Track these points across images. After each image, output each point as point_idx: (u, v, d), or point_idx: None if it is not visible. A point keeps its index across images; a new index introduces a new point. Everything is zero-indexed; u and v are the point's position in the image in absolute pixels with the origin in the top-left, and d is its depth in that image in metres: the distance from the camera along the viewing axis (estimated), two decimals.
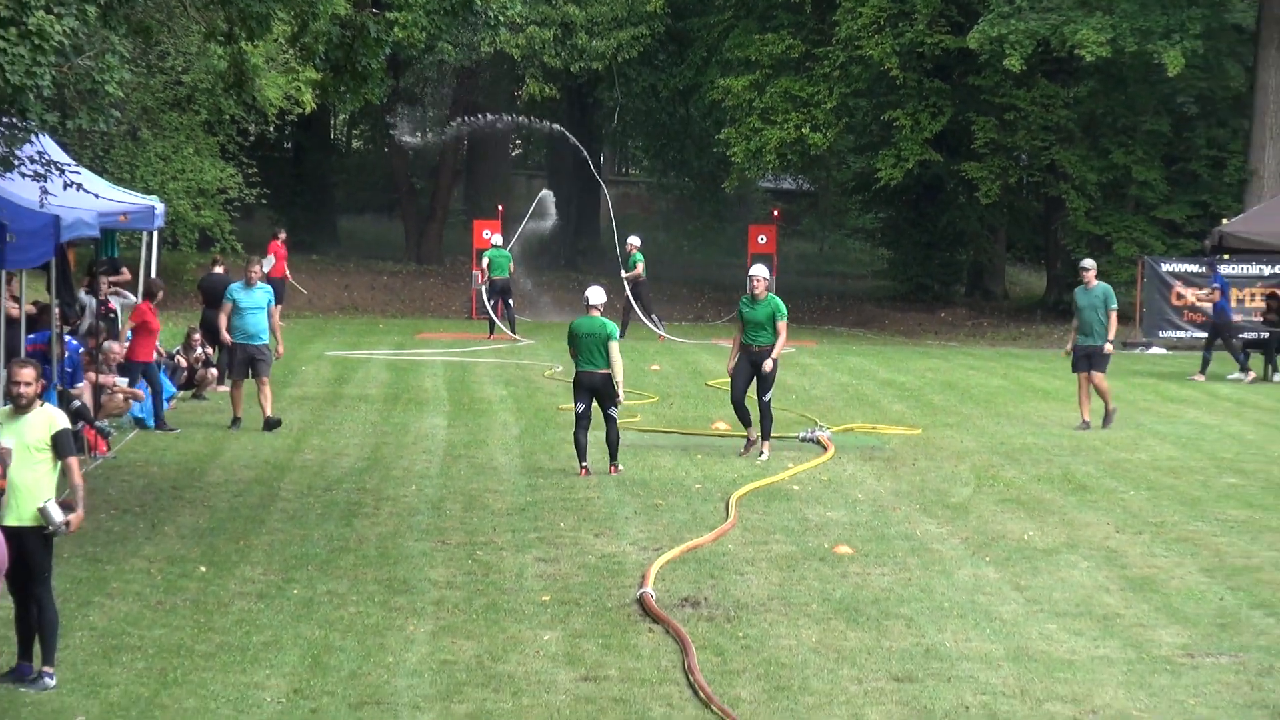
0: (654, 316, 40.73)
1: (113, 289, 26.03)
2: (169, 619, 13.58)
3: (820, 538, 17.20)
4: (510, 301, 40.04)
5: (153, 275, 25.99)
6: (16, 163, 16.34)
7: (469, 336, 39.42)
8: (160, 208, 25.59)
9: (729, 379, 22.30)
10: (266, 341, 23.73)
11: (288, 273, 40.17)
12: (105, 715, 11.20)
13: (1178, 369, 34.85)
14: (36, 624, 11.85)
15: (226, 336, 23.95)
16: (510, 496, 19.13)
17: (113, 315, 25.61)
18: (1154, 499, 19.81)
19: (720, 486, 19.85)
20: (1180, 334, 40.16)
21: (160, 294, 25.04)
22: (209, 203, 40.51)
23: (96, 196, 21.69)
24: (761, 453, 21.94)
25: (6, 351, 18.69)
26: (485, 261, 40.30)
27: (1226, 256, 38.52)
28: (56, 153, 19.95)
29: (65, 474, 11.78)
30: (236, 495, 18.88)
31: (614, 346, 20.35)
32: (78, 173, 19.54)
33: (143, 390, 23.56)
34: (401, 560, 15.86)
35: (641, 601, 14.26)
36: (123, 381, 23.55)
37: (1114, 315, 25.17)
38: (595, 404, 20.48)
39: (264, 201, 45.47)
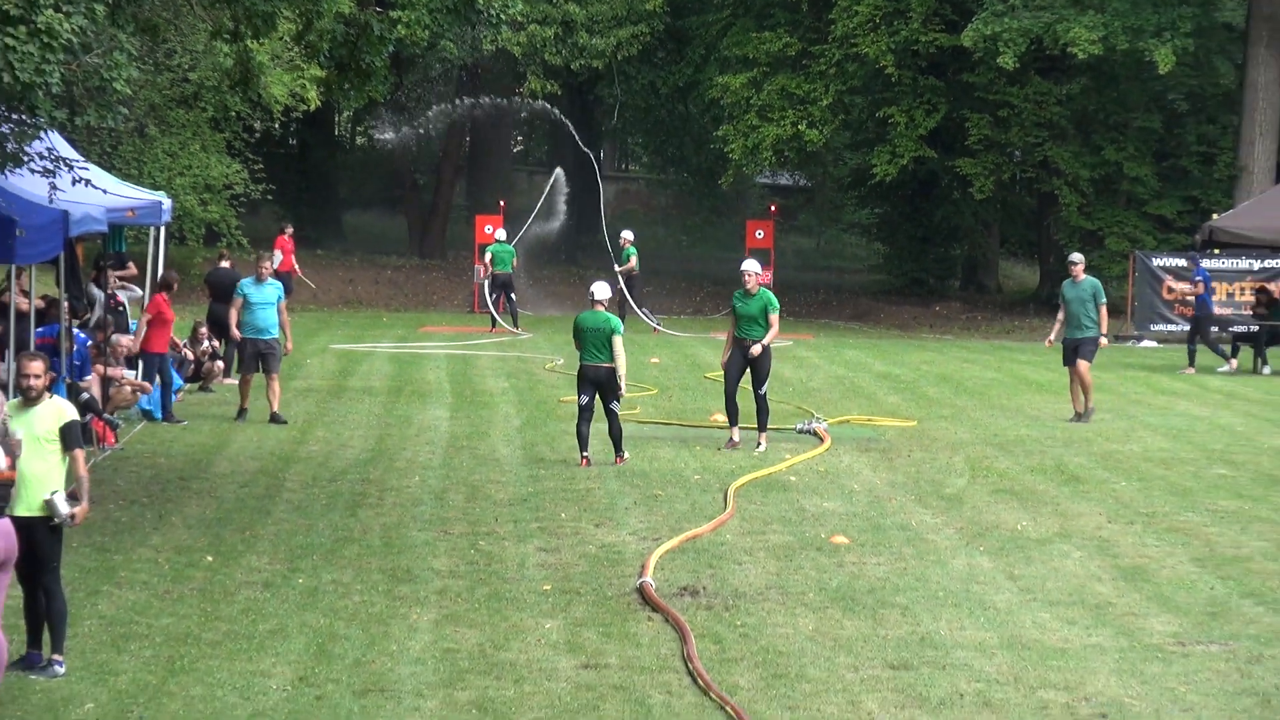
0: (645, 309, 40.74)
1: (120, 284, 26.02)
2: (176, 608, 13.58)
3: (817, 528, 17.20)
4: (513, 296, 40.03)
5: (161, 269, 25.97)
6: (26, 159, 16.33)
7: (471, 330, 39.41)
8: (167, 203, 25.56)
9: (723, 373, 22.27)
10: (276, 336, 23.71)
11: (296, 267, 40.15)
12: (114, 702, 11.20)
13: (1168, 362, 34.86)
14: (45, 613, 11.86)
15: (236, 333, 23.93)
16: (512, 487, 19.12)
17: (121, 309, 25.60)
18: (1145, 490, 19.81)
19: (719, 477, 19.85)
20: (1171, 328, 40.15)
21: (175, 285, 25.06)
22: (215, 198, 40.51)
23: (105, 192, 21.66)
24: (759, 444, 21.93)
25: (16, 345, 18.68)
26: (488, 256, 40.29)
27: (1217, 251, 38.53)
28: (65, 149, 19.94)
29: (71, 466, 11.77)
30: (242, 486, 18.88)
31: (618, 341, 20.37)
32: (86, 169, 19.57)
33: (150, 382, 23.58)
34: (405, 550, 15.85)
35: (641, 590, 14.26)
36: (130, 374, 23.55)
37: (1104, 309, 25.15)
38: (598, 397, 20.49)
39: (269, 197, 45.48)
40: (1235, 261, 39.19)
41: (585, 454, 20.43)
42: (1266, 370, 33.38)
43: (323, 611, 13.56)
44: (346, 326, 39.38)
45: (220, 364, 27.06)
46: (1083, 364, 24.95)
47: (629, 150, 74.33)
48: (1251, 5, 44.81)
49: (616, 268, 40.26)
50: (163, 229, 26.05)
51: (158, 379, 23.53)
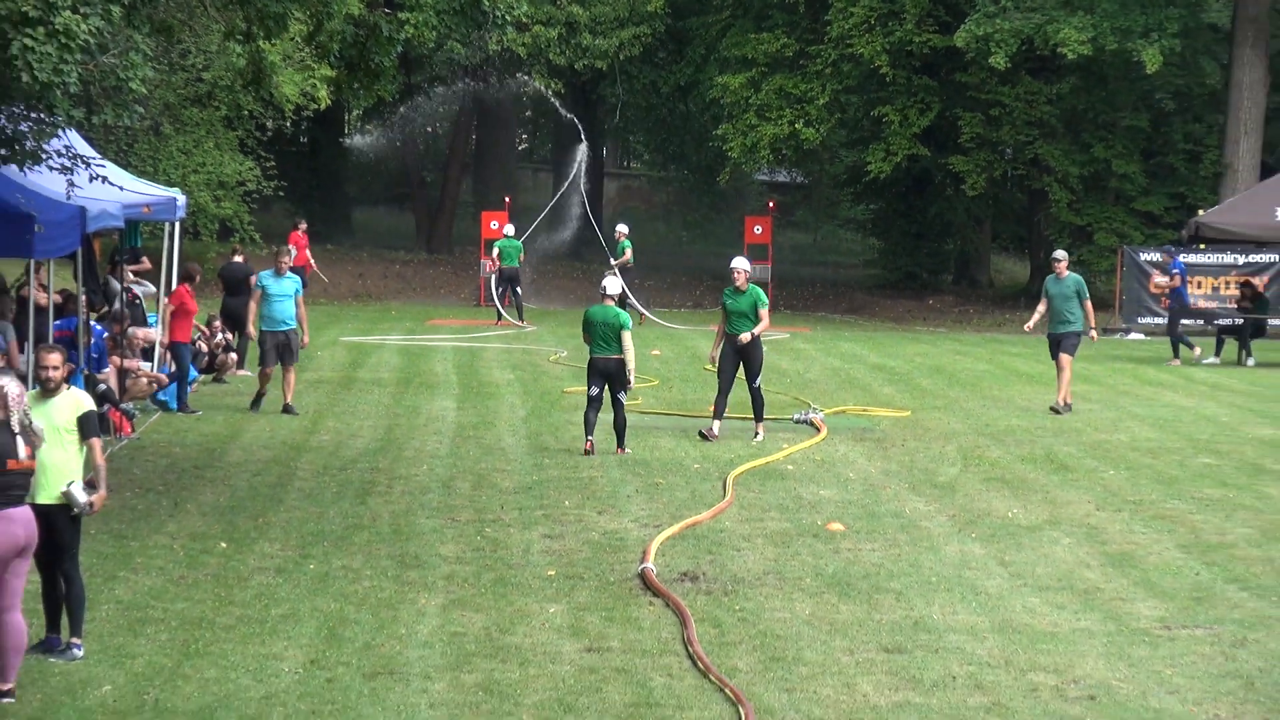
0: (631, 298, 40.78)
1: (134, 279, 26.02)
2: (191, 593, 13.59)
3: (813, 515, 17.20)
4: (519, 290, 40.02)
5: (174, 264, 25.98)
6: (45, 156, 16.33)
7: (478, 323, 39.40)
8: (182, 199, 25.56)
9: (717, 370, 22.17)
10: (294, 328, 23.70)
11: (311, 262, 40.12)
12: (130, 684, 11.22)
13: (1155, 354, 34.85)
14: (64, 598, 11.87)
15: (252, 330, 23.93)
16: (517, 476, 19.13)
17: (137, 302, 25.61)
18: (1133, 478, 19.81)
19: (718, 466, 19.85)
20: (1158, 320, 40.08)
21: (197, 277, 25.09)
22: (228, 195, 40.47)
23: (121, 189, 21.69)
24: (757, 434, 21.93)
25: (35, 337, 18.69)
26: (496, 251, 40.28)
27: (1203, 246, 38.52)
28: (83, 147, 19.94)
29: (89, 454, 11.78)
30: (255, 475, 18.88)
31: (627, 336, 20.45)
32: (103, 166, 19.57)
33: (165, 374, 23.58)
34: (413, 537, 15.86)
35: (643, 576, 14.27)
36: (146, 366, 23.56)
37: (1088, 304, 25.15)
38: (607, 388, 20.55)
39: (281, 194, 45.44)
40: (1220, 256, 39.22)
41: (590, 438, 20.45)
42: (1251, 362, 33.38)
43: (333, 596, 13.57)
44: (356, 319, 39.38)
45: (234, 356, 27.08)
46: (1065, 357, 24.95)
47: (631, 148, 74.28)
48: (1237, 7, 44.79)
49: (612, 261, 40.26)
50: (177, 224, 26.05)
51: (175, 369, 23.56)
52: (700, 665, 11.81)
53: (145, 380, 23.05)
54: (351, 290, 46.54)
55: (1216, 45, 47.25)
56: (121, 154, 35.54)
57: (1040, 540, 16.28)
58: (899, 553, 15.60)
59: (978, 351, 35.60)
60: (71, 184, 17.64)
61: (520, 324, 38.67)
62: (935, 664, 12.05)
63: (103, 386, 20.38)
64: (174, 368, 23.83)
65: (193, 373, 24.69)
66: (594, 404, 20.54)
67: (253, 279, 26.47)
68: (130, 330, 23.40)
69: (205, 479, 18.49)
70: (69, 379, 12.07)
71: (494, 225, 43.99)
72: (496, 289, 40.21)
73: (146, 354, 24.17)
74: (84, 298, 21.32)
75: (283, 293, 23.65)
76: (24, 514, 11.07)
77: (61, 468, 11.62)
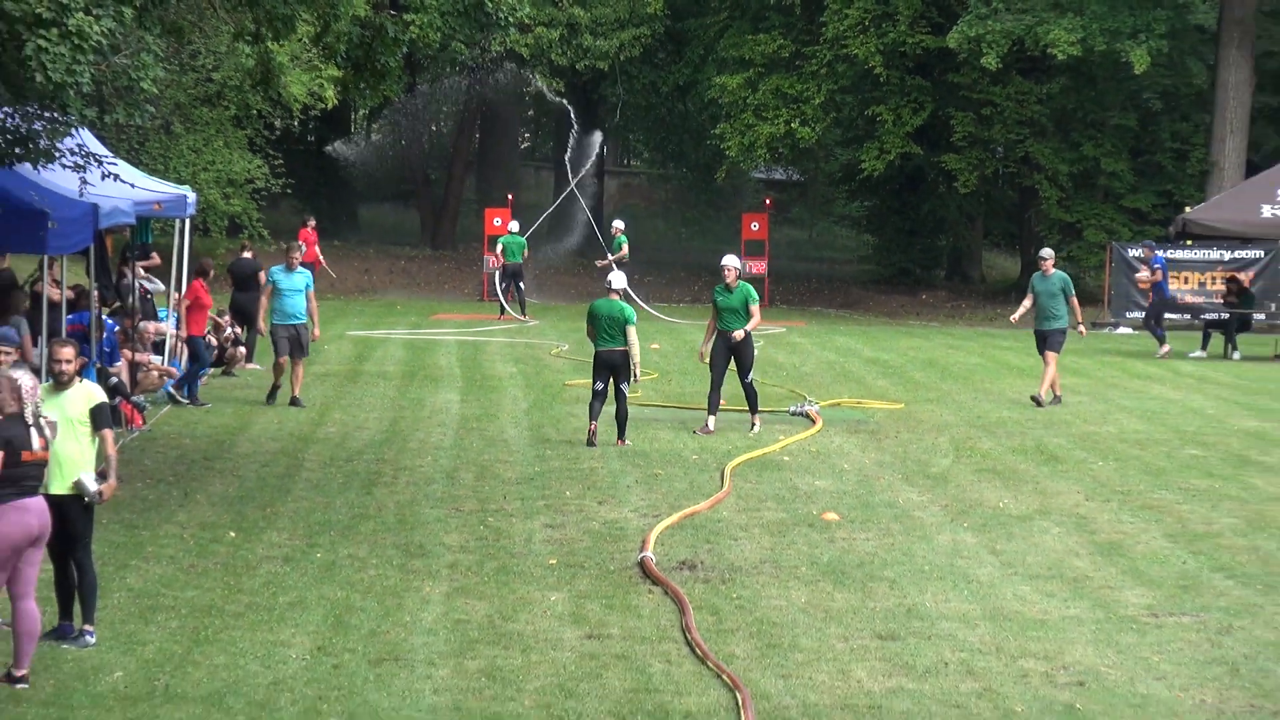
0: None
1: (143, 274, 25.98)
2: (201, 581, 13.59)
3: (809, 505, 17.20)
4: (521, 285, 40.01)
5: (185, 260, 25.95)
6: (58, 154, 16.32)
7: (481, 317, 39.39)
8: (192, 197, 25.53)
9: (709, 365, 22.06)
10: (304, 321, 23.69)
11: (320, 258, 40.10)
12: (141, 671, 11.22)
13: (1143, 348, 34.83)
14: (77, 586, 11.87)
15: (263, 325, 23.95)
16: (519, 466, 19.13)
17: (149, 297, 25.59)
18: (1121, 469, 19.81)
19: (716, 457, 19.85)
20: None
21: (211, 272, 25.11)
22: (237, 192, 40.45)
23: (132, 186, 21.67)
24: (753, 426, 21.92)
25: (48, 332, 18.68)
26: (500, 247, 40.27)
27: (1189, 242, 38.51)
28: (95, 145, 19.91)
29: (100, 445, 11.78)
30: (264, 466, 18.88)
31: (632, 331, 20.55)
32: (115, 164, 19.54)
33: (176, 368, 23.57)
34: (418, 526, 15.86)
35: (642, 565, 14.27)
36: (157, 359, 23.54)
37: (1075, 301, 25.18)
38: (611, 380, 20.60)
39: (289, 191, 45.40)
40: (1207, 252, 39.17)
41: (594, 423, 20.46)
42: (1236, 356, 33.38)
43: (340, 584, 13.58)
44: (362, 314, 39.36)
45: (242, 350, 27.07)
46: (1050, 354, 24.96)
47: (631, 146, 74.23)
48: (1223, 9, 44.76)
49: (610, 256, 40.23)
50: (187, 221, 26.03)
51: (186, 363, 23.55)
52: (698, 652, 11.81)
53: (156, 374, 23.04)
54: (358, 285, 46.52)
55: (1203, 46, 47.21)
56: (133, 152, 35.53)
57: (1030, 530, 16.28)
58: (892, 542, 15.60)
59: (970, 345, 35.59)
60: (84, 182, 17.62)
61: (523, 319, 38.66)
62: (928, 651, 12.05)
63: (114, 379, 20.38)
64: (183, 361, 23.80)
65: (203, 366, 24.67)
66: (599, 396, 20.57)
67: (262, 274, 26.49)
68: (141, 324, 23.39)
69: (215, 470, 18.49)
70: (82, 372, 12.06)
71: (496, 222, 43.97)
72: (500, 284, 40.19)
73: (157, 348, 24.15)
74: (96, 293, 21.30)
75: (293, 288, 23.66)
76: (38, 504, 11.07)
77: (75, 459, 11.62)
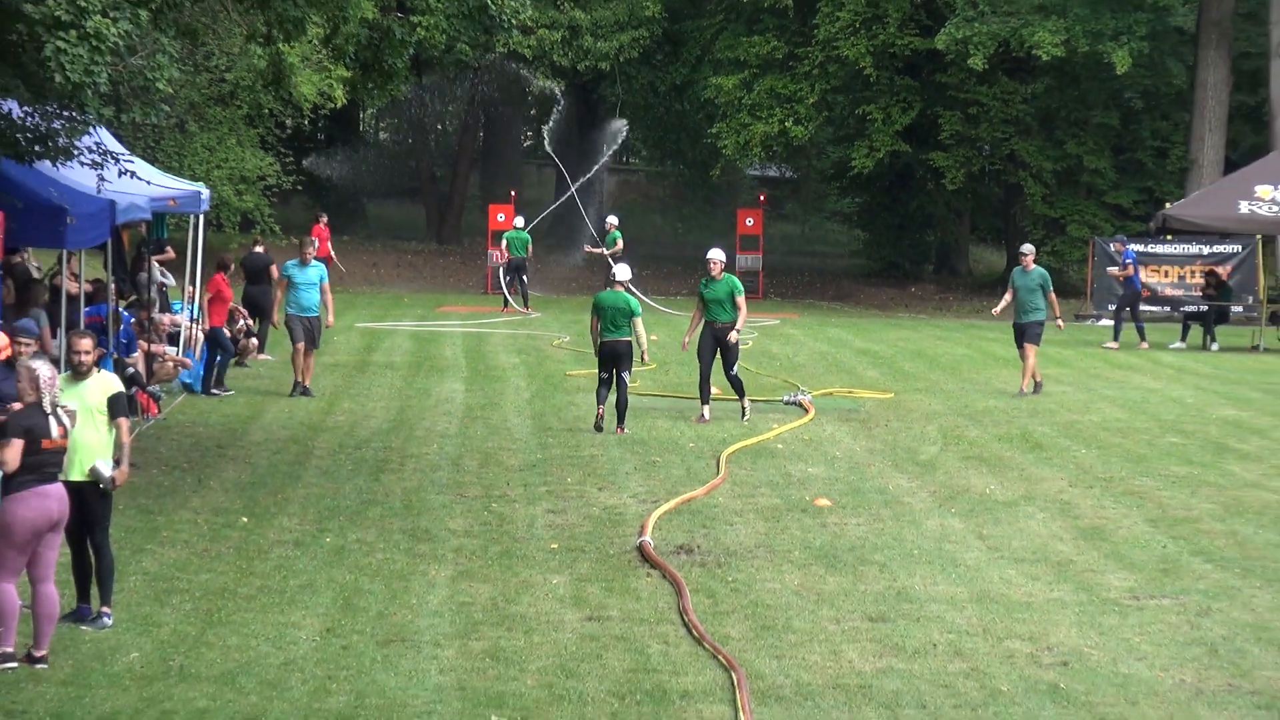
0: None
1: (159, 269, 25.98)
2: (214, 565, 13.59)
3: (802, 491, 17.20)
4: (524, 278, 39.96)
5: (199, 254, 25.93)
6: (76, 152, 16.32)
7: (485, 310, 39.34)
8: (206, 193, 25.52)
9: (697, 356, 22.04)
10: (318, 314, 23.71)
11: (332, 253, 40.07)
12: (156, 651, 11.21)
13: (1125, 339, 34.79)
14: (95, 569, 11.88)
15: (276, 318, 23.96)
16: (522, 454, 19.12)
17: (163, 289, 25.57)
18: (1103, 456, 19.80)
19: (712, 445, 19.84)
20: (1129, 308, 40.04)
21: (231, 266, 25.13)
22: (250, 189, 40.42)
23: (148, 183, 21.65)
24: (744, 412, 21.93)
25: (67, 324, 18.67)
26: (504, 242, 40.22)
27: (1169, 237, 38.48)
28: (112, 143, 19.91)
29: (116, 433, 11.77)
30: (275, 453, 18.87)
31: (638, 322, 20.80)
32: (131, 161, 19.52)
33: (190, 359, 23.55)
34: (424, 511, 15.85)
35: (640, 549, 14.26)
36: (172, 350, 23.52)
37: (1053, 296, 25.17)
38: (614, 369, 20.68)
39: (299, 188, 45.41)
40: (1186, 247, 39.16)
41: (601, 407, 20.60)
42: (1215, 347, 33.38)
43: (348, 568, 13.57)
44: (370, 307, 39.32)
45: (255, 341, 27.05)
46: (1030, 347, 24.94)
47: (629, 144, 74.13)
48: (1201, 11, 44.73)
49: (605, 251, 40.22)
50: (201, 217, 26.01)
51: (204, 355, 23.52)
52: (695, 633, 11.81)
53: (171, 364, 23.03)
54: (366, 279, 46.47)
55: (1182, 47, 47.18)
56: (149, 150, 35.52)
57: (1016, 515, 16.27)
58: (882, 527, 15.60)
59: (957, 337, 35.57)
60: (101, 178, 17.62)
61: (525, 311, 38.62)
62: (917, 632, 12.05)
63: (131, 370, 20.36)
64: (197, 352, 23.78)
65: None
66: (605, 385, 20.74)
67: (273, 268, 26.48)
68: (156, 316, 23.37)
69: (227, 457, 18.48)
70: (100, 363, 12.05)
71: (500, 218, 43.92)
72: (504, 277, 40.15)
73: (172, 339, 24.14)
74: (113, 286, 21.29)
75: (307, 281, 23.70)
76: (57, 490, 11.08)
77: (94, 447, 11.62)
